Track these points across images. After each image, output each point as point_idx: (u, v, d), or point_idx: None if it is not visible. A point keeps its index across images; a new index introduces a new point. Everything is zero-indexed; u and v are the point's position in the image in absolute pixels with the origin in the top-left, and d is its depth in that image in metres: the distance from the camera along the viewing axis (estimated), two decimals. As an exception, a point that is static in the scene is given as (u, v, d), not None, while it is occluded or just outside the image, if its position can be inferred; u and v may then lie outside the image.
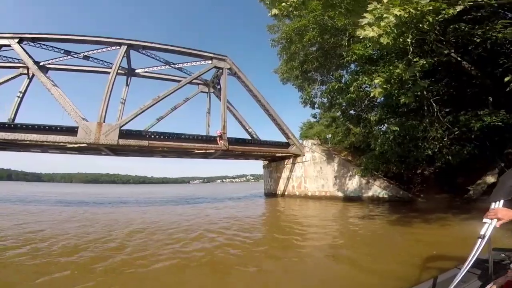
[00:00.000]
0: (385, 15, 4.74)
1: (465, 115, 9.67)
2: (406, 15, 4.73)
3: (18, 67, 18.59)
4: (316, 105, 14.66)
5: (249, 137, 22.51)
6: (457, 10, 5.67)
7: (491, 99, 9.94)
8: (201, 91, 24.25)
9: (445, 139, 10.05)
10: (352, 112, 15.24)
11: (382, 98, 11.64)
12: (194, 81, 22.17)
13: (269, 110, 20.65)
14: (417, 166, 14.27)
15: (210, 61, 20.10)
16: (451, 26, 7.33)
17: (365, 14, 5.01)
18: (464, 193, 12.83)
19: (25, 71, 18.47)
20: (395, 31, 5.14)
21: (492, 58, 8.17)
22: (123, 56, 17.87)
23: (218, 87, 23.69)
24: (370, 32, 4.82)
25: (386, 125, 11.67)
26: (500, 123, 8.75)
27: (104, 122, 16.21)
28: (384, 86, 6.91)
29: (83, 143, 15.65)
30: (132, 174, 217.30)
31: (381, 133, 9.96)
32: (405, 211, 11.51)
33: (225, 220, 10.72)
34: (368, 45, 9.80)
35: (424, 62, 7.07)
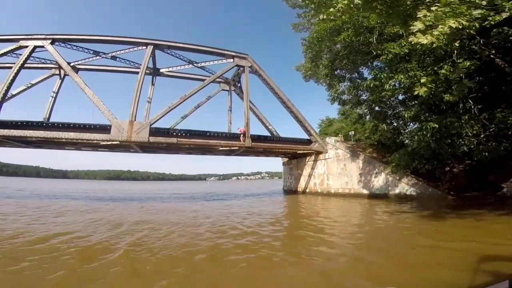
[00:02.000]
0: (440, 27, 4.98)
1: (502, 112, 9.62)
2: (460, 26, 4.95)
3: (51, 68, 19.44)
4: (343, 102, 14.75)
5: (269, 134, 22.80)
6: (503, 17, 5.79)
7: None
8: (222, 89, 24.67)
9: (481, 136, 10.02)
10: (377, 108, 15.30)
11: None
12: (216, 79, 22.54)
13: (291, 107, 20.80)
14: (446, 164, 14.19)
15: (231, 60, 20.41)
16: (494, 30, 7.40)
17: (416, 23, 5.29)
18: (495, 190, 12.71)
19: (57, 72, 19.32)
20: (446, 38, 5.34)
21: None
22: (150, 56, 18.40)
23: (239, 85, 24.04)
24: (423, 40, 5.10)
25: (418, 122, 11.67)
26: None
27: (135, 120, 16.81)
28: (429, 85, 7.13)
29: (116, 140, 16.29)
30: (151, 171, 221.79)
31: (418, 130, 9.96)
32: (437, 208, 11.54)
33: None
34: (403, 44, 9.87)
35: (469, 63, 7.18)
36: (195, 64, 21.30)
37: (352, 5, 5.96)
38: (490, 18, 5.48)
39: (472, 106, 9.69)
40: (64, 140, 16.09)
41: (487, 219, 8.53)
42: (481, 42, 7.62)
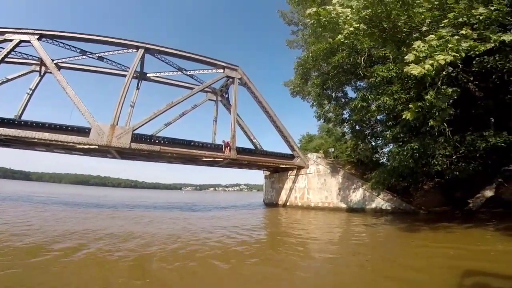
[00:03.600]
0: (431, 61, 5.69)
1: (471, 135, 10.83)
2: (448, 61, 5.72)
3: (31, 64, 18.21)
4: (329, 120, 15.58)
5: (252, 147, 23.03)
6: (488, 47, 6.72)
7: (492, 120, 11.23)
8: (209, 99, 24.66)
9: (453, 157, 11.13)
10: (357, 127, 16.33)
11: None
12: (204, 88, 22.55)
13: (276, 122, 21.36)
14: (419, 181, 15.39)
15: (222, 70, 20.64)
16: (477, 59, 8.46)
17: (409, 55, 6.01)
18: (462, 206, 14.01)
19: (37, 68, 18.13)
20: (435, 69, 6.09)
21: (504, 86, 9.43)
22: (140, 60, 18.07)
23: (226, 95, 24.28)
24: (416, 71, 5.79)
25: (398, 142, 12.65)
26: (502, 144, 9.92)
27: (117, 124, 16.15)
28: (416, 110, 7.98)
29: (94, 144, 15.46)
30: (123, 177, 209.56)
31: (400, 150, 10.84)
32: (410, 221, 12.44)
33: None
34: (391, 68, 10.90)
35: (452, 90, 8.14)
36: (184, 72, 21.20)
37: (357, 31, 6.61)
38: (476, 49, 6.29)
39: (446, 129, 10.82)
40: (36, 140, 14.92)
41: (456, 231, 9.45)
42: (462, 70, 8.65)
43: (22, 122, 14.97)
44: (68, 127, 15.69)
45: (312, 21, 6.86)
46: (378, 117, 15.24)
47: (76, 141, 15.32)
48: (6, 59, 15.61)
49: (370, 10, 6.72)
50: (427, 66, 5.73)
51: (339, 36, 6.55)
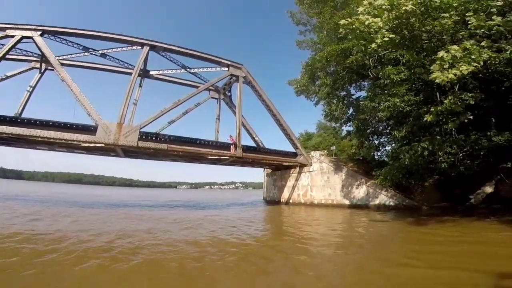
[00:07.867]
0: (455, 71, 6.22)
1: (475, 135, 11.47)
2: (471, 70, 6.20)
3: (31, 61, 17.56)
4: (336, 119, 15.97)
5: (255, 145, 23.19)
6: (505, 57, 7.18)
7: (494, 121, 11.93)
8: (212, 97, 24.57)
9: (459, 154, 11.75)
10: (361, 126, 16.79)
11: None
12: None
13: (280, 120, 21.57)
14: (423, 178, 16.04)
15: (226, 69, 20.59)
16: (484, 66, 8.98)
17: (434, 65, 6.54)
18: (462, 202, 14.76)
19: (37, 65, 17.51)
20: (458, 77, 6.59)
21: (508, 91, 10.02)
22: (145, 57, 17.81)
23: (229, 94, 24.27)
24: (439, 79, 6.36)
25: (406, 141, 13.17)
26: (505, 143, 10.60)
27: (123, 122, 15.94)
28: (436, 113, 8.52)
29: (101, 143, 15.24)
30: (118, 176, 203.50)
31: (409, 148, 11.34)
32: (417, 216, 13.04)
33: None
34: (402, 70, 11.34)
35: (470, 96, 8.63)
36: (188, 70, 21.04)
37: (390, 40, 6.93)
38: (493, 59, 6.75)
39: (453, 129, 11.40)
40: (40, 138, 14.54)
41: (462, 224, 10.11)
42: (471, 77, 9.15)
43: (25, 120, 14.47)
44: (73, 125, 15.32)
45: (343, 31, 7.13)
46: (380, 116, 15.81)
47: (82, 139, 15.05)
48: (7, 56, 15.01)
49: (398, 21, 7.06)
50: (450, 76, 6.20)
51: (373, 45, 6.84)
